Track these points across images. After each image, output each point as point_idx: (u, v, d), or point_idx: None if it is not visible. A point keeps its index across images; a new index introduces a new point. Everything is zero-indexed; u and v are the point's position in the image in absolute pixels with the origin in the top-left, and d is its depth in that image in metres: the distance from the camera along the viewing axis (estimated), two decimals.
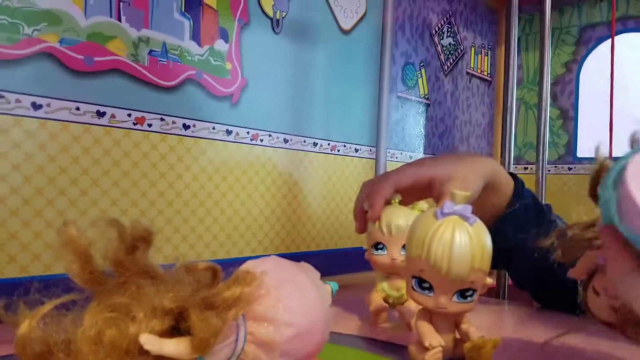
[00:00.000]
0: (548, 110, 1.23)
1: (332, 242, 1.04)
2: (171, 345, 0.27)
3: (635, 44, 1.94)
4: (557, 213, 0.61)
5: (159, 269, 0.32)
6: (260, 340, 0.32)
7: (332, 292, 0.40)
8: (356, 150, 1.13)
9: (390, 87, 1.20)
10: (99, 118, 0.68)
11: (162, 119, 0.70)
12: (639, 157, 0.24)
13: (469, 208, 0.37)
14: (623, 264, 0.26)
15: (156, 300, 0.28)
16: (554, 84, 2.10)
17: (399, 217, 0.48)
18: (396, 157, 1.34)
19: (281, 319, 0.33)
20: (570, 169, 1.97)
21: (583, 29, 2.11)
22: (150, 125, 0.71)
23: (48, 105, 0.63)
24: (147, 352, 0.27)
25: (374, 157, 1.05)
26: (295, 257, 0.39)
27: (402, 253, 0.47)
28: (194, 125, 0.75)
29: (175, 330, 0.29)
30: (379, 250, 0.48)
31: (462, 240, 0.35)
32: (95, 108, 0.68)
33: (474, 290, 0.36)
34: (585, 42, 2.11)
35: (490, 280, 0.37)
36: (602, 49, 2.04)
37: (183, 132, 0.74)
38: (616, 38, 1.48)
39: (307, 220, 0.94)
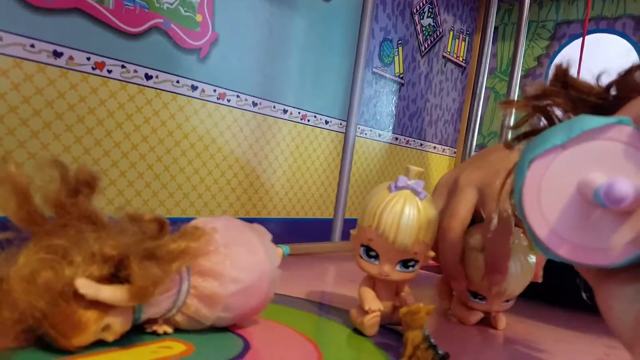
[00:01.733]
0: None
1: (293, 211, 1.04)
2: (108, 291, 0.27)
3: (605, 45, 1.99)
4: None
5: (102, 216, 0.31)
6: (203, 295, 0.32)
7: (283, 254, 0.40)
8: (326, 122, 1.13)
9: (367, 61, 1.20)
10: (55, 58, 0.64)
11: (123, 67, 0.67)
12: (533, 173, 0.23)
13: (421, 183, 0.38)
14: None
15: (96, 246, 0.27)
16: (524, 76, 2.13)
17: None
18: (365, 134, 1.34)
19: (227, 275, 0.33)
20: None
21: (559, 24, 2.14)
22: (110, 72, 0.68)
23: (0, 39, 0.59)
24: (82, 297, 0.26)
25: (344, 131, 1.05)
26: (255, 222, 0.39)
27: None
28: (156, 77, 0.72)
29: (115, 278, 0.28)
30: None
31: (411, 213, 0.36)
32: (52, 47, 0.64)
33: (416, 261, 0.38)
34: (559, 38, 2.15)
35: (432, 253, 0.38)
36: (575, 46, 2.08)
37: (144, 82, 0.71)
38: (588, 37, 1.51)
39: (271, 188, 0.94)
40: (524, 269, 0.40)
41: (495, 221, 0.39)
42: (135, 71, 0.71)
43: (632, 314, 0.21)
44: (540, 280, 0.43)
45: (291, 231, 1.11)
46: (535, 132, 0.29)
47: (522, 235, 0.42)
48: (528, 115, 0.29)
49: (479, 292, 0.42)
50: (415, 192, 0.38)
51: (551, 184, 0.22)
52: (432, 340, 0.31)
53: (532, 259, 0.41)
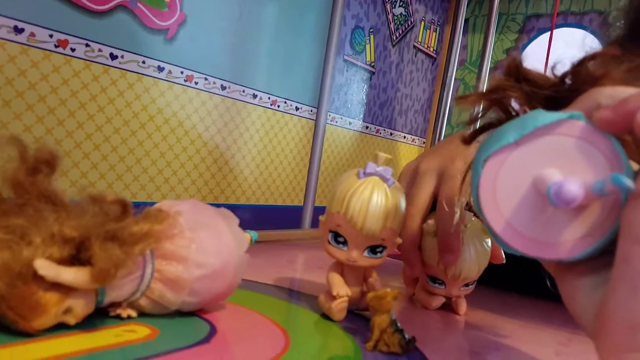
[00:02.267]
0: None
1: (262, 198, 1.03)
2: (69, 273, 0.26)
3: (572, 39, 2.05)
4: None
5: (62, 196, 0.30)
6: (168, 279, 0.32)
7: (251, 240, 0.40)
8: (297, 109, 1.12)
9: (338, 49, 1.19)
10: (16, 34, 0.61)
11: (87, 45, 0.65)
12: (488, 171, 0.23)
13: (389, 170, 0.39)
14: None
15: (56, 227, 0.27)
16: (493, 68, 2.18)
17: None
18: (336, 122, 1.34)
19: (192, 259, 0.32)
20: None
21: (528, 18, 2.19)
22: (73, 50, 0.65)
23: None
24: (42, 279, 0.25)
25: (314, 118, 1.05)
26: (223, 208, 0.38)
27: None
28: (122, 57, 0.69)
29: (76, 260, 0.27)
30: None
31: (379, 200, 0.37)
32: (12, 23, 0.61)
33: (384, 247, 0.38)
34: (528, 31, 2.19)
35: (399, 240, 0.39)
36: (542, 40, 2.13)
37: (109, 62, 0.69)
38: (556, 31, 1.55)
39: (240, 173, 0.93)
40: (478, 252, 0.42)
41: (458, 210, 0.40)
42: (99, 50, 0.68)
43: (593, 305, 0.22)
44: (503, 261, 0.44)
45: (260, 218, 1.10)
46: (491, 125, 0.29)
47: (473, 219, 0.43)
48: (485, 109, 0.29)
49: (437, 277, 0.43)
50: (384, 179, 0.38)
51: (506, 180, 0.23)
52: (399, 325, 0.32)
53: (488, 242, 0.42)
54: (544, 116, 0.23)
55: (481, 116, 0.30)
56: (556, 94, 0.26)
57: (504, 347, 0.37)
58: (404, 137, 1.99)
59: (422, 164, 0.45)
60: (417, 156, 0.48)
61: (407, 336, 0.32)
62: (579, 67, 0.25)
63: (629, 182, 0.19)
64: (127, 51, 0.71)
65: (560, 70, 0.27)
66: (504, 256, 0.44)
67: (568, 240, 0.22)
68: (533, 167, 0.22)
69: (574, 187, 0.20)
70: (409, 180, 0.46)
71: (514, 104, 0.28)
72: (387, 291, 0.32)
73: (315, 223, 1.01)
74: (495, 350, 0.36)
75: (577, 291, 0.23)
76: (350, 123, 1.48)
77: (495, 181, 0.23)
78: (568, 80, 0.26)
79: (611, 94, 0.22)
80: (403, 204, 0.38)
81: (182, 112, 0.79)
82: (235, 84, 0.90)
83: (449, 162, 0.43)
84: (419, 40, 2.03)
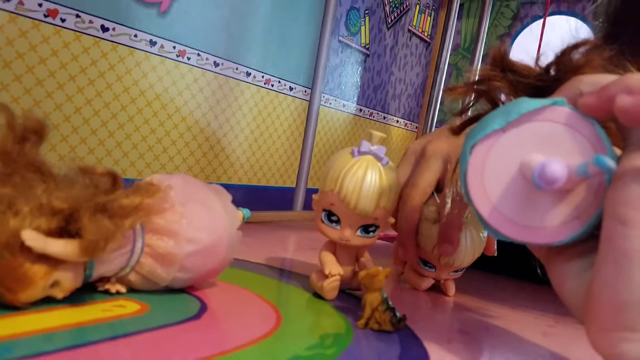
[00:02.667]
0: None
1: (255, 178, 1.03)
2: (57, 245, 0.25)
3: (564, 27, 2.05)
4: None
5: (50, 167, 0.29)
6: (158, 254, 0.31)
7: (243, 218, 0.39)
8: (291, 89, 1.11)
9: (333, 29, 1.18)
10: (3, 2, 0.59)
11: (77, 16, 0.63)
12: (475, 157, 0.23)
13: (383, 149, 0.38)
14: None
15: (44, 198, 0.26)
16: (486, 54, 2.17)
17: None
18: (330, 103, 1.33)
19: (184, 234, 0.32)
20: None
21: (522, 4, 2.18)
22: (63, 21, 0.63)
23: None
24: (29, 250, 0.25)
25: (308, 99, 1.03)
26: None
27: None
28: (113, 29, 0.68)
29: (65, 233, 0.27)
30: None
31: (373, 179, 0.36)
32: None
33: (377, 227, 0.38)
34: (521, 18, 2.18)
35: (392, 220, 0.39)
36: (535, 27, 2.13)
37: (100, 34, 0.67)
38: (549, 19, 1.54)
39: (232, 153, 0.92)
40: (474, 242, 0.41)
41: (449, 200, 0.40)
42: (90, 22, 0.66)
43: (582, 288, 0.22)
44: (494, 254, 0.44)
45: (252, 199, 1.09)
46: (479, 116, 0.30)
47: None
48: (472, 100, 0.29)
49: (429, 261, 0.43)
50: (378, 158, 0.38)
51: (493, 166, 0.23)
52: (390, 303, 0.32)
53: (484, 233, 0.42)
54: (528, 103, 0.23)
55: (470, 107, 0.31)
56: (541, 83, 0.26)
57: (492, 327, 0.37)
58: (397, 121, 1.98)
59: (430, 146, 0.44)
60: (425, 135, 0.47)
61: (398, 314, 0.32)
62: (561, 57, 0.26)
63: (611, 163, 0.19)
64: (118, 24, 0.69)
65: (545, 61, 0.27)
66: (495, 249, 0.44)
67: (555, 225, 0.22)
68: (519, 152, 0.23)
69: (557, 167, 0.20)
70: (415, 160, 0.45)
71: (502, 97, 0.29)
72: (379, 269, 0.32)
73: (307, 205, 1.01)
74: (484, 330, 0.36)
75: (565, 275, 0.23)
76: (344, 105, 1.47)
77: (482, 168, 0.23)
78: (552, 71, 0.26)
79: (592, 81, 0.23)
80: (397, 183, 0.38)
81: (173, 88, 0.78)
82: (229, 60, 0.88)
83: (457, 148, 0.43)
84: (414, 24, 2.01)
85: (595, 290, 0.20)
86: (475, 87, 0.28)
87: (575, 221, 0.22)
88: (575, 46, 0.26)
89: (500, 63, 0.27)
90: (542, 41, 1.54)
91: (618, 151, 0.22)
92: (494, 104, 0.28)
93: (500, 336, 0.36)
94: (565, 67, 0.25)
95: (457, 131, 0.30)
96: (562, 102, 0.23)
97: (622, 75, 0.21)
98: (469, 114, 0.30)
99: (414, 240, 0.43)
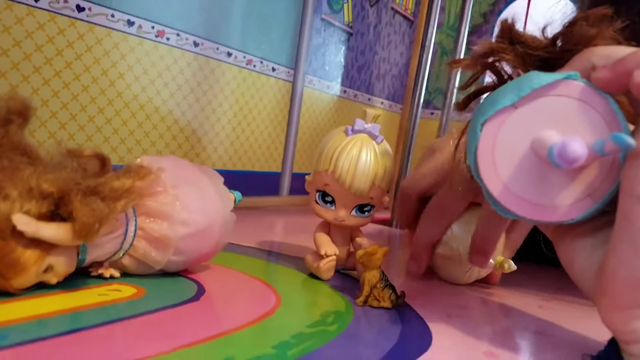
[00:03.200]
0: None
1: (239, 163, 1.01)
2: (49, 229, 0.24)
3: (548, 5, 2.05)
4: None
5: (37, 150, 0.28)
6: (152, 237, 0.31)
7: (235, 200, 0.39)
8: (273, 70, 1.09)
9: (315, 7, 1.15)
10: None
11: None
12: (486, 134, 0.23)
13: (378, 127, 0.38)
14: None
15: (33, 181, 0.25)
16: (471, 32, 2.16)
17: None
18: (313, 84, 1.31)
19: (177, 216, 0.31)
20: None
21: None
22: (37, 1, 0.60)
23: None
24: (21, 235, 0.24)
25: (292, 81, 1.01)
26: None
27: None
28: (89, 9, 0.65)
29: (56, 216, 0.26)
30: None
31: (367, 158, 0.36)
32: None
33: (372, 206, 0.38)
34: None
35: (387, 199, 0.38)
36: (520, 4, 2.12)
37: (76, 14, 0.64)
38: None
39: (215, 137, 0.90)
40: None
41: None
42: (65, 1, 0.63)
43: (592, 265, 0.22)
44: (496, 282, 0.43)
45: (237, 184, 1.07)
46: (484, 90, 0.29)
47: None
48: (477, 73, 0.29)
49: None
50: (372, 136, 0.37)
51: (505, 144, 0.23)
52: (389, 280, 0.32)
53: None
54: (540, 77, 0.22)
55: (473, 81, 0.30)
56: (550, 55, 0.26)
57: (490, 302, 0.37)
58: (382, 102, 1.98)
59: (437, 143, 0.41)
60: (448, 139, 0.42)
61: (397, 291, 0.32)
62: (570, 28, 0.25)
63: (630, 140, 0.18)
64: (94, 3, 0.67)
65: (551, 32, 0.26)
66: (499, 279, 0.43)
67: (567, 203, 0.22)
68: (531, 129, 0.22)
69: (578, 146, 0.19)
70: (441, 175, 0.39)
71: (507, 68, 0.28)
72: (377, 247, 0.31)
73: (294, 190, 1.00)
74: (481, 304, 0.36)
75: (576, 253, 0.23)
76: (328, 87, 1.45)
77: (493, 145, 0.23)
78: (559, 42, 0.26)
79: (605, 54, 0.22)
80: (392, 162, 0.38)
81: (153, 69, 0.76)
82: (209, 40, 0.86)
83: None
84: (397, 1, 1.99)
85: (610, 268, 0.20)
86: (481, 59, 0.27)
87: (587, 199, 0.22)
88: (584, 17, 0.24)
89: (509, 35, 0.26)
90: (527, 18, 1.54)
91: (630, 126, 0.21)
92: (500, 77, 0.28)
93: (498, 309, 0.36)
94: (575, 38, 0.24)
95: (462, 106, 0.29)
96: (576, 76, 0.22)
97: (636, 47, 0.21)
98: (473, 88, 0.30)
99: (428, 259, 0.40)
